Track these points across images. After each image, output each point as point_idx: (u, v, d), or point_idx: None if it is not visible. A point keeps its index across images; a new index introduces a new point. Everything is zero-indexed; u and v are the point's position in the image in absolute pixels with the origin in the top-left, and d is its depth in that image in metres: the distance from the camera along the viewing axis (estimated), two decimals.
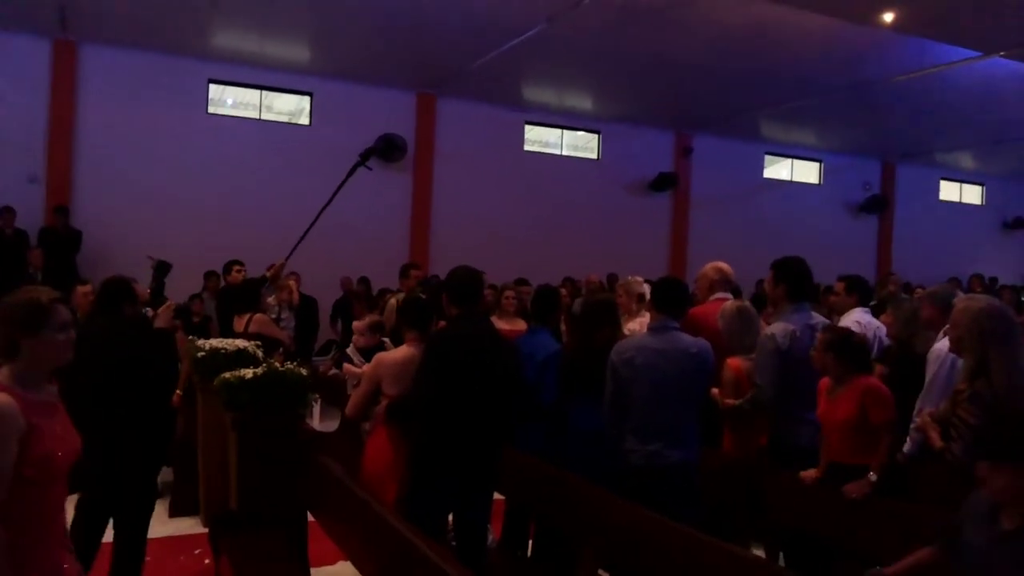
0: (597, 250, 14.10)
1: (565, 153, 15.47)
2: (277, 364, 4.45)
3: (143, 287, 4.57)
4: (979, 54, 11.48)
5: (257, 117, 12.90)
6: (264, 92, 12.93)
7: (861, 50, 11.67)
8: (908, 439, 3.98)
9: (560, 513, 4.13)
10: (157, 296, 5.01)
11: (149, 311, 4.68)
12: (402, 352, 4.16)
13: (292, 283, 8.81)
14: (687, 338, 3.99)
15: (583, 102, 14.68)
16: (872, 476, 3.60)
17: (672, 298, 4.08)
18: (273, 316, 7.37)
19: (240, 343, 5.14)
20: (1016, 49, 11.08)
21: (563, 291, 7.37)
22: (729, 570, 2.98)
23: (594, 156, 15.60)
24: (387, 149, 12.62)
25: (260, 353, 5.09)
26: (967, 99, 13.73)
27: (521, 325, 6.16)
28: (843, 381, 3.77)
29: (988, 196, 20.24)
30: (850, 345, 3.79)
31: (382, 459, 3.96)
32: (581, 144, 15.62)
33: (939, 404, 3.84)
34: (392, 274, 8.87)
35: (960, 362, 3.75)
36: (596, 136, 15.53)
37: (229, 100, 12.74)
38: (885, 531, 3.52)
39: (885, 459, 3.65)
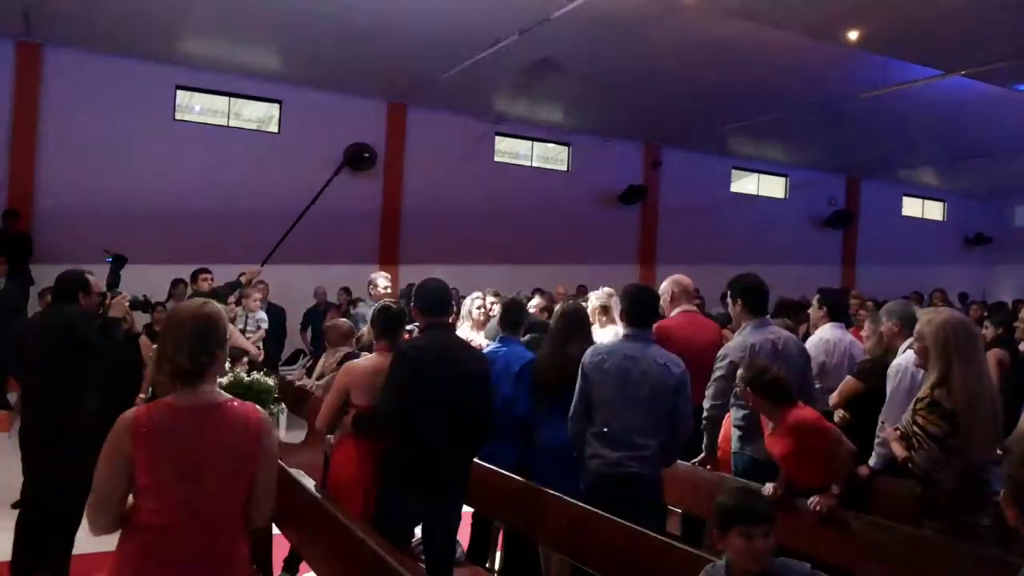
0: (567, 261, 14.16)
1: (535, 164, 15.53)
2: (242, 374, 4.41)
3: (98, 281, 4.61)
4: (941, 73, 11.73)
5: (225, 124, 12.78)
6: (232, 99, 12.82)
7: (827, 67, 11.87)
8: (873, 454, 4.04)
9: (529, 525, 4.12)
10: (113, 289, 5.00)
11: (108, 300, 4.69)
12: (372, 361, 4.13)
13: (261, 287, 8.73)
14: (659, 350, 4.01)
15: (553, 114, 14.76)
16: (835, 489, 3.65)
17: (642, 311, 4.10)
18: (240, 326, 7.29)
19: None
20: (977, 68, 11.34)
21: (537, 303, 7.37)
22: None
23: (564, 168, 15.68)
24: (356, 160, 12.60)
25: (227, 364, 5.04)
26: (929, 117, 14.03)
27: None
28: (773, 416, 3.81)
29: (949, 212, 20.66)
30: (766, 381, 3.77)
31: (349, 471, 3.92)
32: (551, 155, 15.69)
33: (900, 418, 3.90)
34: (361, 283, 8.83)
35: (920, 376, 3.82)
36: (566, 148, 15.61)
37: (196, 107, 12.61)
38: (848, 544, 3.56)
39: (843, 475, 3.71)
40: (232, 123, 12.86)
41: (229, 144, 12.52)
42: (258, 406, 2.53)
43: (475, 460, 4.10)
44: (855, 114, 13.84)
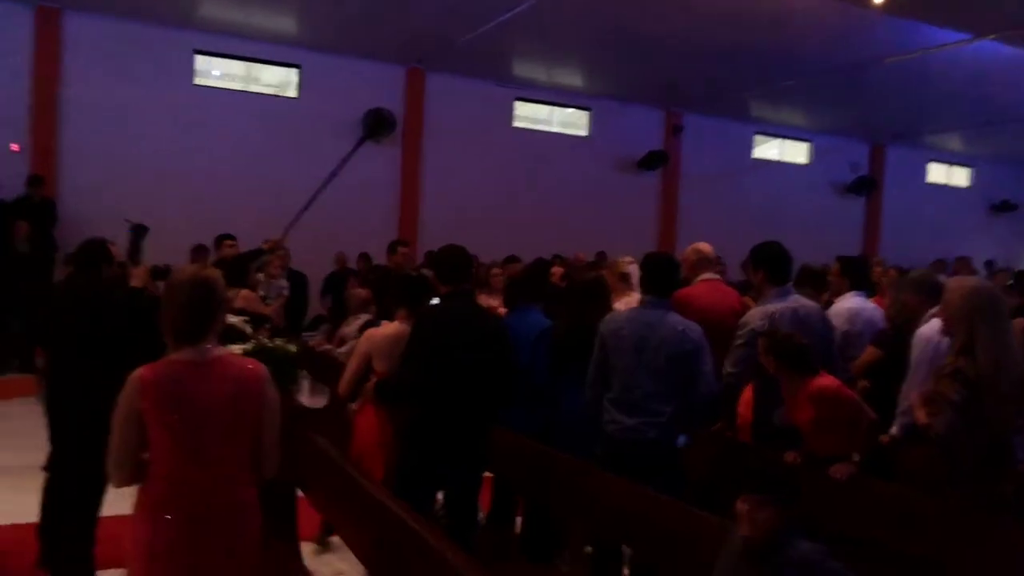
0: (586, 227, 14.09)
1: (555, 130, 15.41)
2: (265, 340, 4.45)
3: (120, 249, 4.61)
4: (970, 36, 11.48)
5: (244, 89, 12.76)
6: (251, 64, 12.79)
7: (853, 31, 11.64)
8: (895, 422, 4.02)
9: (549, 490, 4.16)
10: (134, 259, 5.01)
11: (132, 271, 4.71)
12: (393, 328, 4.16)
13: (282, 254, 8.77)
14: (677, 317, 4.00)
15: (573, 79, 14.60)
16: (855, 457, 3.65)
17: (661, 279, 4.08)
18: (262, 293, 7.33)
19: (229, 318, 5.12)
20: (1007, 32, 11.08)
21: (556, 270, 7.35)
22: (718, 543, 2.98)
23: (584, 133, 15.55)
24: (376, 126, 12.55)
25: (249, 329, 5.08)
26: (957, 82, 13.75)
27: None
28: (792, 384, 3.81)
29: (975, 179, 20.33)
30: (788, 349, 3.80)
31: (371, 436, 3.97)
32: (571, 121, 15.55)
33: (923, 385, 3.88)
34: (380, 250, 8.86)
35: (944, 345, 3.79)
36: (587, 113, 15.47)
37: (215, 71, 12.59)
38: (870, 512, 3.56)
39: (863, 444, 3.70)
40: (251, 88, 12.83)
41: (248, 109, 12.52)
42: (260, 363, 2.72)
43: (495, 425, 4.13)
44: (881, 79, 13.58)
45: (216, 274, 2.70)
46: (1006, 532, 3.05)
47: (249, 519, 2.66)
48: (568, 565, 4.34)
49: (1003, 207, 19.81)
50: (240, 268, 6.65)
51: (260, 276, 7.58)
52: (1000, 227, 19.84)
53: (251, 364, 2.67)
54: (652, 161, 15.58)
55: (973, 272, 11.31)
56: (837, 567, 2.41)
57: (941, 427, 3.47)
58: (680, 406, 3.86)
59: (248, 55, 12.63)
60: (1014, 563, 3.03)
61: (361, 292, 5.84)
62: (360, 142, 11.04)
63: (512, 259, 8.19)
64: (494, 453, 4.10)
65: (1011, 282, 10.27)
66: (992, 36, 11.31)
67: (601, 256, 11.27)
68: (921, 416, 3.61)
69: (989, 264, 15.18)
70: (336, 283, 10.27)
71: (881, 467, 3.85)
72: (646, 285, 4.13)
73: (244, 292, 6.39)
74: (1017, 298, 6.36)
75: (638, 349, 3.88)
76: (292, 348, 4.39)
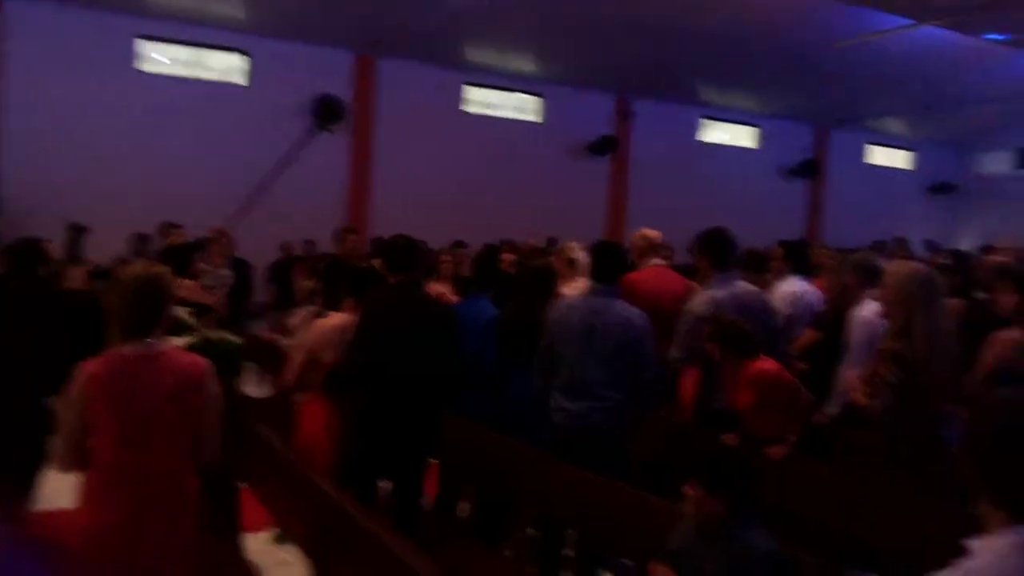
0: (537, 213, 14.08)
1: (507, 115, 15.37)
2: (208, 332, 4.38)
3: (56, 248, 4.52)
4: (913, 22, 11.73)
5: (190, 76, 12.46)
6: (198, 50, 12.48)
7: (800, 15, 11.83)
8: (832, 402, 4.12)
9: (497, 477, 4.18)
10: (73, 259, 4.90)
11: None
12: (340, 319, 4.12)
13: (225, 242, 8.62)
14: (624, 304, 4.03)
15: (525, 64, 14.57)
16: (791, 438, 3.75)
17: (609, 267, 4.11)
18: (205, 282, 7.21)
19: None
20: (948, 18, 11.36)
21: (506, 256, 7.34)
22: (663, 525, 2.99)
23: (536, 119, 15.54)
24: (326, 114, 12.37)
25: (192, 320, 5.01)
26: (899, 67, 14.08)
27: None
28: (734, 368, 3.91)
29: (916, 161, 20.84)
30: (731, 334, 3.91)
31: (317, 427, 3.94)
32: (523, 106, 15.53)
33: (861, 367, 3.98)
34: (329, 240, 8.76)
35: (881, 327, 3.89)
36: (538, 99, 15.46)
37: (161, 57, 12.26)
38: (805, 491, 3.65)
39: (799, 425, 3.80)
40: (198, 75, 12.53)
41: (195, 96, 12.22)
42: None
43: (444, 413, 4.13)
44: (828, 63, 13.84)
45: (164, 271, 2.82)
46: (938, 512, 3.13)
47: (189, 506, 2.79)
48: (513, 549, 4.37)
49: (941, 188, 20.34)
50: (184, 258, 6.54)
51: (203, 265, 7.45)
52: (938, 208, 20.37)
53: (194, 359, 2.80)
54: (603, 146, 15.65)
55: (910, 253, 11.61)
56: (785, 559, 2.46)
57: (879, 408, 3.58)
58: (627, 392, 3.90)
59: (194, 40, 12.32)
60: (946, 542, 3.13)
61: (307, 283, 5.78)
62: (311, 132, 10.93)
63: (459, 244, 8.15)
64: (443, 440, 4.11)
65: (948, 261, 10.57)
66: (934, 22, 11.60)
67: (552, 242, 11.30)
68: (860, 397, 3.72)
69: (929, 243, 15.57)
70: (281, 271, 10.13)
71: (817, 447, 3.94)
72: (594, 272, 4.16)
73: (187, 282, 6.29)
74: (951, 277, 6.52)
75: (585, 336, 3.91)
76: (236, 340, 4.33)
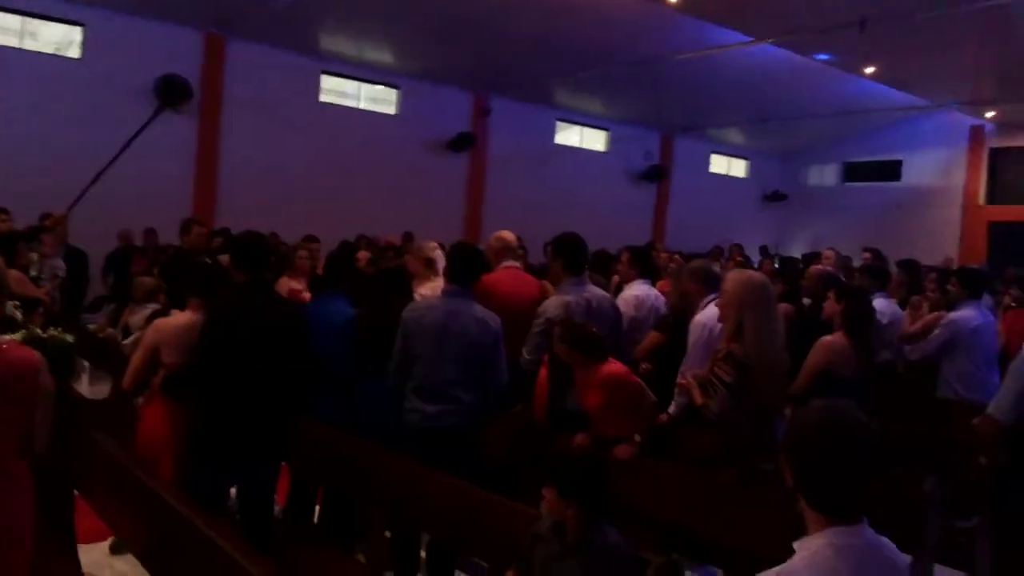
0: (394, 208, 13.99)
1: (363, 106, 15.13)
2: (37, 329, 4.09)
3: None
4: (750, 39, 12.51)
5: (18, 46, 11.47)
6: (27, 18, 11.49)
7: (647, 27, 12.34)
8: (673, 402, 4.36)
9: (349, 478, 4.14)
10: None
11: None
12: (184, 318, 3.95)
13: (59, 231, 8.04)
14: (479, 307, 4.09)
15: (382, 55, 14.39)
16: (636, 438, 3.94)
17: (465, 269, 4.16)
18: (34, 274, 6.70)
19: None
20: (782, 36, 12.20)
21: (362, 255, 7.26)
22: (516, 526, 3.05)
23: (393, 111, 15.40)
24: (170, 94, 11.72)
25: (19, 315, 4.66)
26: (737, 80, 14.97)
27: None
28: (584, 370, 4.06)
29: (751, 170, 22.21)
30: (581, 338, 4.05)
31: (159, 431, 3.77)
32: (380, 97, 15.33)
33: (698, 368, 4.24)
34: (172, 228, 8.33)
35: (718, 330, 4.17)
36: (395, 91, 15.32)
37: None
38: (650, 489, 3.84)
39: (645, 425, 4.00)
40: (27, 45, 11.55)
41: (23, 68, 11.26)
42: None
43: (296, 416, 4.05)
44: (672, 74, 14.53)
45: None
46: (769, 506, 3.36)
47: (19, 490, 2.79)
48: (367, 552, 4.35)
49: (774, 197, 21.82)
50: (8, 247, 6.06)
51: (33, 256, 6.92)
52: (772, 215, 21.82)
53: (24, 351, 2.80)
54: (461, 143, 15.72)
55: (746, 258, 12.40)
56: (640, 559, 2.57)
57: (717, 407, 3.83)
58: (480, 394, 3.97)
59: (22, 8, 11.34)
60: (778, 535, 3.38)
61: (148, 280, 5.48)
62: (156, 112, 10.32)
63: (311, 239, 7.95)
64: (295, 443, 4.03)
65: (777, 265, 11.38)
66: (769, 40, 12.42)
67: (408, 237, 11.26)
68: (697, 397, 3.96)
69: (764, 249, 16.67)
70: (120, 261, 9.58)
71: (659, 446, 4.16)
72: (450, 274, 4.20)
73: (13, 273, 5.82)
74: (781, 284, 7.02)
75: (440, 338, 3.93)
76: (69, 338, 4.06)
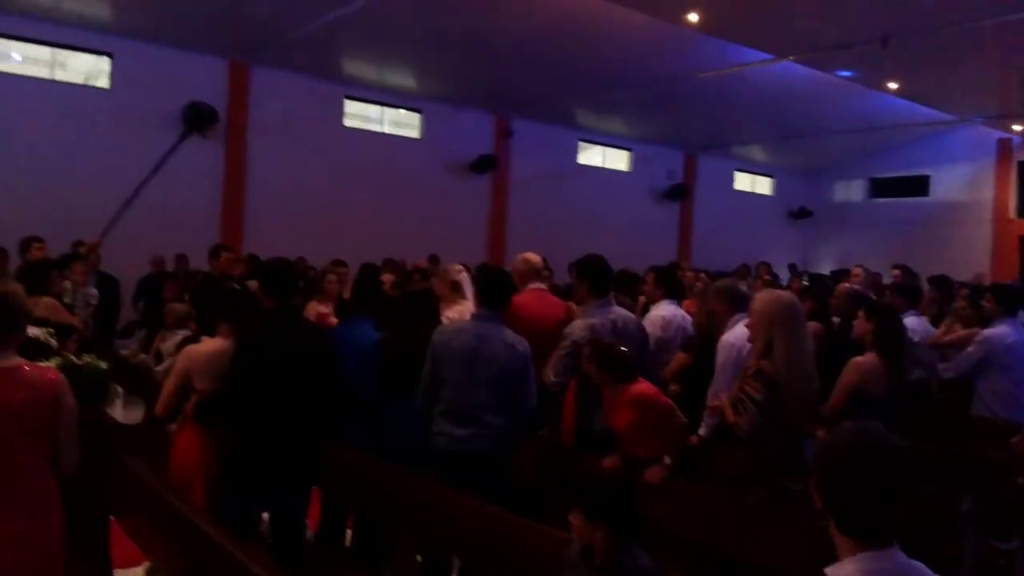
0: (418, 230, 14.06)
1: (387, 130, 15.27)
2: (71, 356, 4.16)
3: None
4: (772, 57, 12.50)
5: (48, 77, 11.74)
6: (56, 50, 11.76)
7: (668, 47, 12.37)
8: (703, 423, 4.33)
9: (378, 503, 4.15)
10: None
11: None
12: (214, 345, 4.00)
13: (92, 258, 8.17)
14: (508, 331, 4.09)
15: (404, 79, 14.54)
16: (667, 460, 3.91)
17: (496, 293, 4.17)
18: (68, 301, 6.80)
19: (31, 331, 4.73)
20: (805, 54, 12.19)
21: (386, 278, 7.30)
22: (546, 550, 3.06)
23: (416, 135, 15.52)
24: (196, 121, 11.90)
25: (53, 342, 4.72)
26: (760, 98, 14.94)
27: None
28: (613, 390, 4.05)
29: (776, 187, 22.10)
30: (610, 358, 4.05)
31: (191, 457, 3.80)
32: (403, 121, 15.47)
33: (727, 389, 4.20)
34: (202, 253, 8.45)
35: (747, 350, 4.14)
36: (418, 114, 15.45)
37: (16, 55, 11.50)
38: (679, 510, 3.81)
39: (675, 447, 3.97)
40: (56, 76, 11.81)
41: (53, 99, 11.50)
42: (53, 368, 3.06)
43: (325, 441, 4.07)
44: (693, 93, 14.53)
45: (16, 289, 2.91)
46: (799, 526, 3.33)
47: (50, 508, 2.87)
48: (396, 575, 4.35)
49: (800, 214, 21.67)
50: (41, 275, 6.16)
51: (66, 284, 7.03)
52: (798, 232, 21.67)
53: (50, 375, 2.90)
54: (483, 165, 15.80)
55: (772, 275, 12.31)
56: None
57: (747, 425, 3.80)
58: (509, 418, 3.97)
59: (53, 40, 11.60)
60: (808, 555, 3.34)
61: (179, 307, 5.55)
62: (183, 136, 10.49)
63: (339, 263, 8.03)
64: (324, 467, 4.05)
65: (806, 283, 11.26)
66: (791, 57, 12.40)
67: (434, 259, 11.30)
68: (730, 415, 3.93)
69: (792, 267, 16.53)
70: (151, 287, 9.70)
71: (690, 467, 4.13)
72: (481, 297, 4.21)
73: (46, 300, 5.92)
74: (810, 303, 6.96)
75: (470, 362, 3.94)
76: (103, 365, 4.12)
